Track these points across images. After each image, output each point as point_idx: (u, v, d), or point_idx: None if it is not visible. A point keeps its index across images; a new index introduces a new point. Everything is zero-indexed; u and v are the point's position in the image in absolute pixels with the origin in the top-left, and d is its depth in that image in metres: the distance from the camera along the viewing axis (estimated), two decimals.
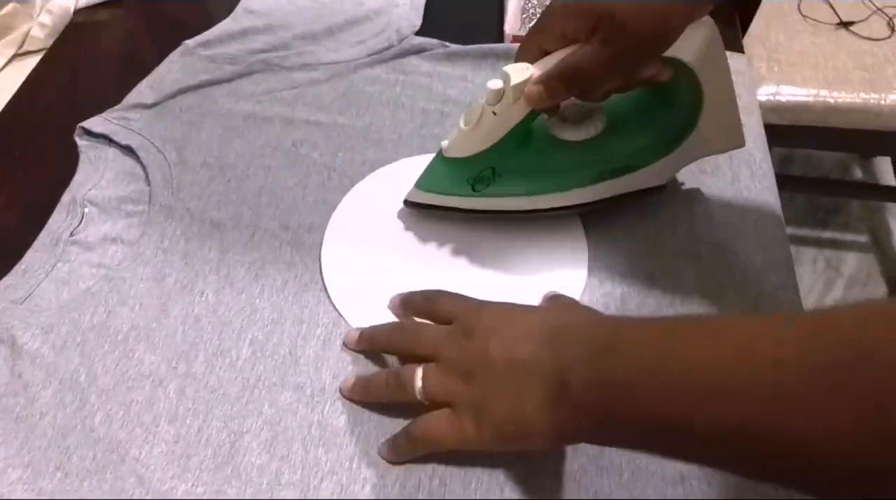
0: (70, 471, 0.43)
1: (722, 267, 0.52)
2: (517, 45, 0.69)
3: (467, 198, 0.52)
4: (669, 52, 0.45)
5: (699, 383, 0.31)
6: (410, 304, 0.48)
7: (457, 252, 0.53)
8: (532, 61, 0.46)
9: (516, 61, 0.47)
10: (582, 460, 0.42)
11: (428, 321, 0.46)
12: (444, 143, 0.52)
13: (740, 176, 0.57)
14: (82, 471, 0.43)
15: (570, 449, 0.43)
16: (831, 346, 0.28)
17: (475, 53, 0.67)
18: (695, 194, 0.56)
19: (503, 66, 0.46)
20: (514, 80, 0.46)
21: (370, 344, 0.47)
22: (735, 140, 0.53)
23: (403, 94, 0.65)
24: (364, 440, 0.43)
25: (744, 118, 0.61)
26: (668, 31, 0.44)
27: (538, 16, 0.51)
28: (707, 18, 0.47)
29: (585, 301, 0.50)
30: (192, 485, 0.42)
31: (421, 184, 0.53)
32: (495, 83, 0.47)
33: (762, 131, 0.61)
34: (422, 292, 0.48)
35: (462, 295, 0.46)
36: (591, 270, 0.52)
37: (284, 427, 0.44)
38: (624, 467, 0.42)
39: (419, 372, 0.41)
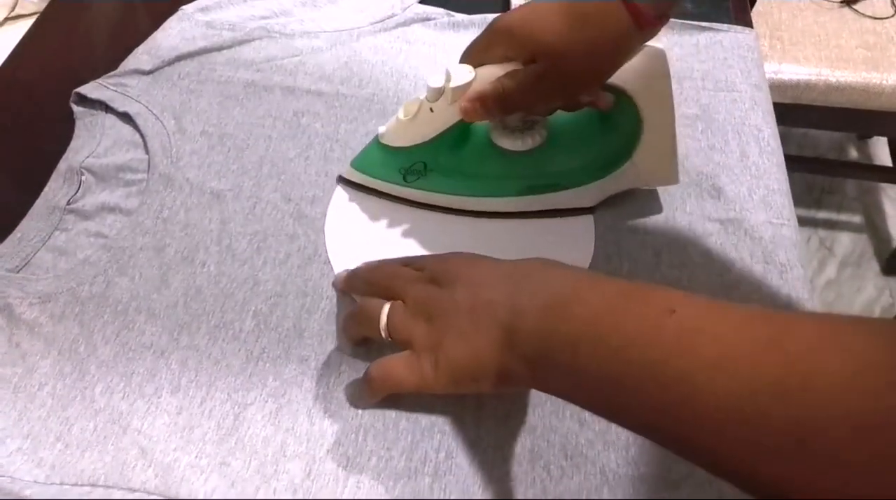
0: (70, 442, 0.42)
1: (729, 244, 0.51)
2: None
3: (398, 186, 0.52)
4: (614, 79, 0.46)
5: (634, 359, 0.31)
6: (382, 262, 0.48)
7: (462, 221, 0.53)
8: (475, 66, 0.46)
9: (460, 62, 0.47)
10: (589, 434, 0.42)
11: None
12: (382, 128, 0.52)
13: (749, 152, 0.57)
14: (83, 442, 0.42)
15: (577, 424, 0.43)
16: (777, 365, 0.27)
17: (480, 23, 0.66)
18: (703, 170, 0.55)
19: (448, 65, 0.46)
20: (454, 83, 0.45)
21: (349, 284, 0.47)
22: (669, 177, 0.52)
23: (407, 63, 0.64)
24: (370, 413, 0.43)
25: (754, 94, 0.60)
26: (605, 66, 0.45)
27: None
28: (658, 49, 0.46)
29: None
30: (196, 457, 0.42)
31: (355, 163, 0.53)
32: (436, 81, 0.47)
33: (771, 108, 0.61)
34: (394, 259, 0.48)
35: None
36: (597, 245, 0.51)
37: (289, 399, 0.44)
38: (631, 442, 0.42)
39: (385, 309, 0.41)
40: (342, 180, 0.55)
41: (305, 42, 0.65)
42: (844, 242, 1.52)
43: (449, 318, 0.39)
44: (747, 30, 0.67)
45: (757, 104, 0.60)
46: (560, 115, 0.51)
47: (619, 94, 0.48)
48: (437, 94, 0.47)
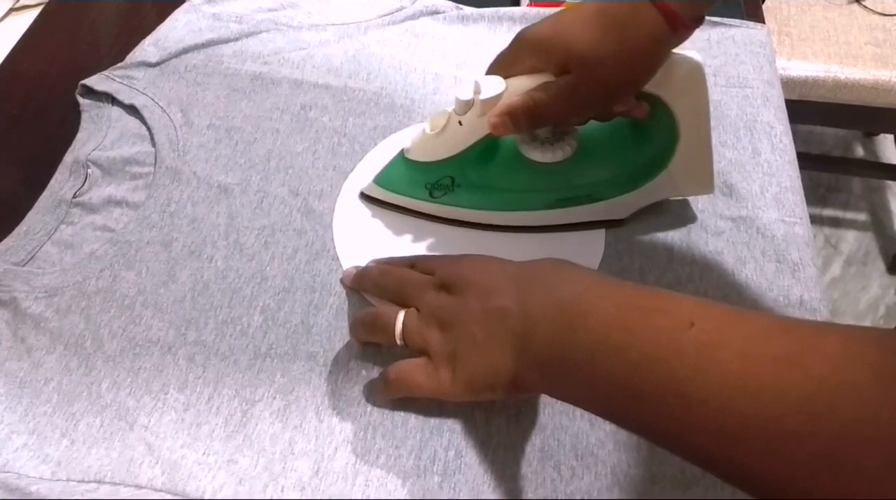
0: (76, 438, 0.42)
1: (741, 242, 0.51)
2: (534, 9, 0.67)
3: (424, 202, 0.51)
4: (649, 87, 0.44)
5: (654, 374, 0.31)
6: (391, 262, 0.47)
7: (481, 235, 0.52)
8: (505, 77, 0.45)
9: (488, 73, 0.46)
10: (599, 434, 0.42)
11: None
12: (407, 143, 0.50)
13: (761, 149, 0.56)
14: (89, 438, 0.42)
15: (587, 424, 0.42)
16: (802, 383, 0.27)
17: (490, 17, 0.66)
18: (715, 167, 0.54)
19: (477, 77, 0.45)
20: (485, 95, 0.44)
21: (359, 283, 0.47)
22: (705, 186, 0.51)
23: (415, 57, 0.63)
24: (378, 411, 0.43)
25: (766, 90, 0.60)
26: (640, 73, 0.43)
27: None
28: (694, 55, 0.45)
29: None
30: (203, 453, 0.41)
31: (379, 180, 0.52)
32: (465, 93, 0.45)
33: (783, 104, 0.60)
34: (402, 257, 0.47)
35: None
36: (608, 243, 0.51)
37: (297, 396, 0.43)
38: (642, 443, 0.42)
39: (400, 316, 0.41)
40: (363, 197, 0.53)
41: (313, 35, 0.64)
42: (850, 240, 1.51)
43: (462, 327, 0.39)
44: (759, 25, 0.66)
45: (769, 101, 0.60)
46: (591, 125, 0.49)
47: (655, 102, 0.46)
48: (466, 107, 0.45)
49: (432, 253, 0.49)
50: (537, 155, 0.49)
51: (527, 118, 0.44)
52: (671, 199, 0.53)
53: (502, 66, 0.46)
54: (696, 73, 0.45)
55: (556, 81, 0.43)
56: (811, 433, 0.26)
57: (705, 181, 0.50)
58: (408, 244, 0.50)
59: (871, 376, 0.26)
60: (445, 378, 0.39)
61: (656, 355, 0.31)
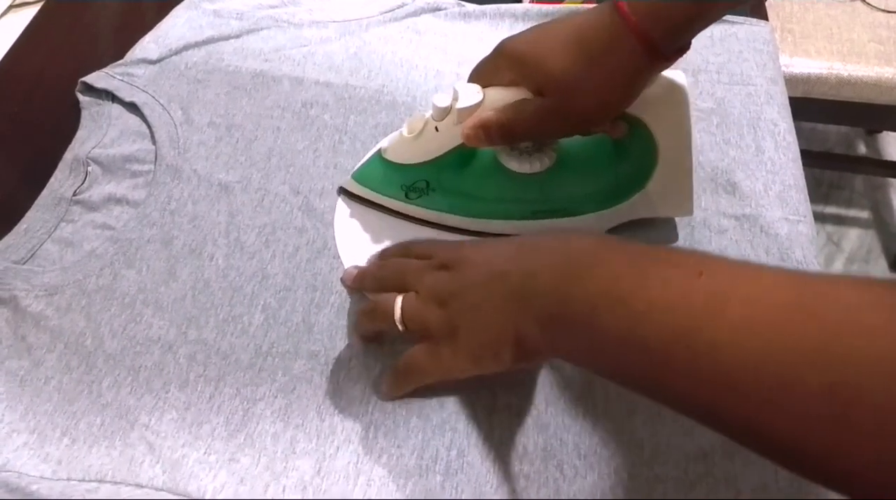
0: (77, 437, 0.42)
1: (745, 240, 0.50)
2: (535, 6, 0.67)
3: (399, 202, 0.50)
4: (630, 108, 0.44)
5: (660, 324, 0.30)
6: (387, 252, 0.47)
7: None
8: (484, 86, 0.44)
9: (469, 81, 0.45)
10: (603, 433, 0.42)
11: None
12: (385, 143, 0.50)
13: (764, 147, 0.56)
14: (90, 437, 0.42)
15: (590, 422, 0.42)
16: (809, 323, 0.26)
17: (492, 13, 0.65)
18: (718, 165, 0.55)
19: (455, 84, 0.45)
20: (462, 104, 0.44)
21: (360, 283, 0.46)
22: (683, 208, 0.50)
23: (417, 54, 0.63)
24: (380, 410, 0.42)
25: (770, 87, 0.59)
26: (616, 103, 0.43)
27: None
28: (677, 76, 0.45)
29: None
30: (205, 453, 0.41)
31: (356, 175, 0.52)
32: (442, 100, 0.45)
33: (787, 102, 0.60)
34: (399, 244, 0.47)
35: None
36: None
37: (299, 395, 0.43)
38: (645, 443, 0.41)
39: (398, 301, 0.40)
40: (343, 191, 0.53)
41: (314, 32, 0.64)
42: (852, 237, 1.51)
43: (460, 299, 0.38)
44: (763, 22, 0.66)
45: (772, 98, 0.59)
46: (572, 138, 0.49)
47: (634, 122, 0.46)
48: (444, 113, 0.45)
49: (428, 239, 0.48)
50: (514, 165, 0.48)
51: (500, 134, 0.44)
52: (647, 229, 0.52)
53: (482, 75, 0.45)
54: (678, 96, 0.45)
55: (531, 101, 0.43)
56: (823, 380, 0.25)
57: (684, 203, 0.49)
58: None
59: (887, 322, 0.25)
60: (447, 354, 0.38)
61: (663, 305, 0.30)
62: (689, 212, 0.50)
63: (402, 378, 0.41)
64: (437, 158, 0.48)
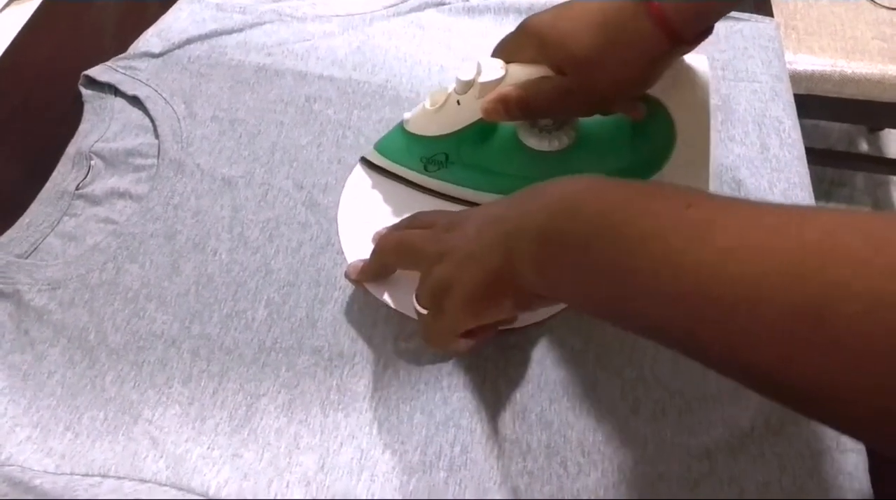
0: (80, 432, 0.42)
1: None
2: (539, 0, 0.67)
3: (417, 174, 0.51)
4: (651, 90, 0.44)
5: (648, 251, 0.30)
6: (392, 227, 0.46)
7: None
8: (507, 62, 0.45)
9: (492, 56, 0.46)
10: (606, 430, 0.42)
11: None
12: (407, 115, 0.50)
13: (769, 145, 0.55)
14: (93, 432, 0.42)
15: (593, 419, 0.42)
16: (794, 248, 0.26)
17: (496, 8, 0.65)
18: (723, 163, 0.54)
19: (479, 58, 0.45)
20: (484, 78, 0.44)
21: (364, 274, 0.46)
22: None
23: (421, 49, 0.62)
24: (384, 405, 0.42)
25: (775, 85, 0.59)
26: (635, 86, 0.43)
27: None
28: (699, 60, 0.45)
29: None
30: (208, 448, 0.41)
31: (378, 146, 0.52)
32: (466, 73, 0.45)
33: (792, 99, 0.60)
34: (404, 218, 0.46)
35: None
36: None
37: (302, 391, 0.43)
38: (649, 440, 0.41)
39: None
40: (364, 162, 0.54)
41: (317, 26, 0.64)
42: None
43: (458, 250, 0.38)
44: (768, 19, 0.65)
45: (778, 95, 0.59)
46: (592, 117, 0.49)
47: (654, 104, 0.46)
48: (466, 86, 0.46)
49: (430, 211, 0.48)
50: (534, 142, 0.49)
51: (518, 110, 0.45)
52: None
53: (505, 51, 0.46)
54: (699, 80, 0.45)
55: (551, 79, 0.43)
56: (798, 294, 0.25)
57: (701, 186, 0.49)
58: None
59: (862, 242, 0.25)
60: (449, 310, 0.38)
61: (652, 233, 0.30)
62: None
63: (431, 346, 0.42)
64: (457, 132, 0.48)
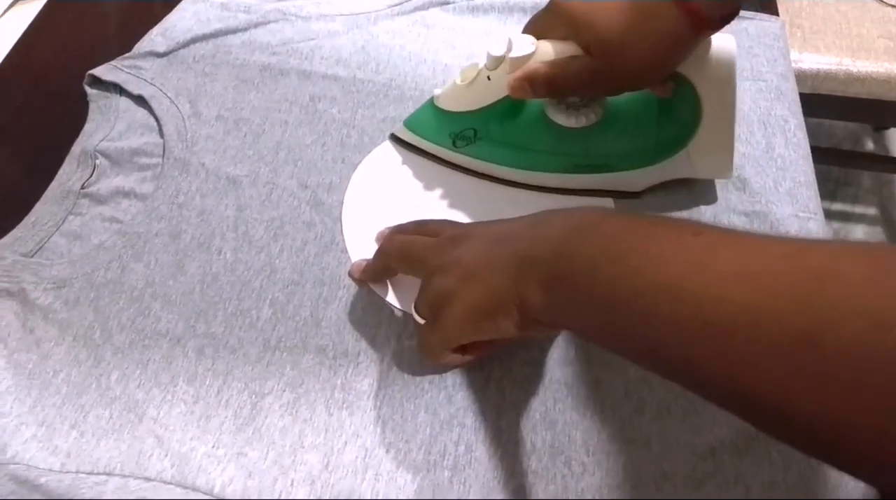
0: (86, 430, 0.42)
1: None
2: None
3: (446, 150, 0.52)
4: (678, 68, 0.45)
5: (651, 277, 0.30)
6: (397, 229, 0.47)
7: (480, 213, 0.52)
8: (538, 38, 0.45)
9: (523, 32, 0.46)
10: (611, 430, 0.42)
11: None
12: (438, 91, 0.51)
13: (774, 144, 0.55)
14: (98, 430, 0.42)
15: (598, 419, 0.42)
16: (796, 273, 0.26)
17: (500, 7, 0.65)
18: None
19: (510, 34, 0.46)
20: (515, 53, 0.45)
21: (367, 274, 0.47)
22: (723, 170, 0.51)
23: (426, 48, 0.62)
24: (388, 404, 0.42)
25: (780, 84, 0.59)
26: (662, 67, 0.44)
27: None
28: (726, 39, 0.45)
29: None
30: (213, 446, 0.41)
31: (408, 122, 0.54)
32: (497, 49, 0.46)
33: (797, 98, 0.59)
34: (410, 222, 0.47)
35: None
36: None
37: (307, 390, 0.43)
38: (653, 440, 0.41)
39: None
40: (393, 138, 0.55)
41: (322, 25, 0.64)
42: (859, 234, 1.50)
43: (461, 265, 0.38)
44: (773, 18, 0.65)
45: (783, 94, 0.59)
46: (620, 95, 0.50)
47: (681, 82, 0.47)
48: (497, 62, 0.46)
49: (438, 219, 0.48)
50: (561, 118, 0.50)
51: (545, 88, 0.45)
52: (683, 191, 0.52)
53: (536, 28, 0.46)
54: (726, 59, 0.46)
55: (578, 59, 0.44)
56: (797, 316, 0.25)
57: (724, 166, 0.50)
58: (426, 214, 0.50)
59: (866, 269, 0.25)
60: (447, 321, 0.38)
61: (656, 258, 0.30)
62: (729, 175, 0.51)
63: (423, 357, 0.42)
64: (486, 107, 0.49)
